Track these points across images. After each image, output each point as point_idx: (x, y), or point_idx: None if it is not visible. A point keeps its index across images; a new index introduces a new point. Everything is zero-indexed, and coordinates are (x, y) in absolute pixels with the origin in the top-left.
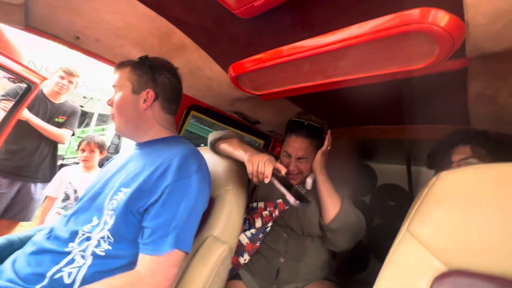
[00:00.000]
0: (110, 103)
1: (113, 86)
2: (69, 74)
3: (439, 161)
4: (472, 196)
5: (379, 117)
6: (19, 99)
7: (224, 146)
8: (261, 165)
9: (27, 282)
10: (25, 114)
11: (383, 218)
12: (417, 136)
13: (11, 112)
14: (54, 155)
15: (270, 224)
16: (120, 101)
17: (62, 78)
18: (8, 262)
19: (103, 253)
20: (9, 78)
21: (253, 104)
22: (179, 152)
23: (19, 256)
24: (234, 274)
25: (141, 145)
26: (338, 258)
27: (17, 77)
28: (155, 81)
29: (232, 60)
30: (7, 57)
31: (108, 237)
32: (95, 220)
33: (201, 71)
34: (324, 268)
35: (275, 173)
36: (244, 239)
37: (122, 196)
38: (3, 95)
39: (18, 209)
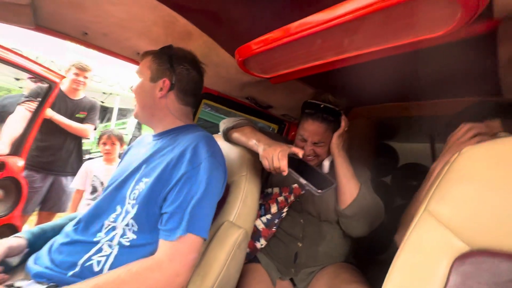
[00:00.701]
0: (132, 89)
1: (136, 72)
2: (82, 69)
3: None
4: (498, 171)
5: (398, 93)
6: (42, 98)
7: (237, 136)
8: (275, 160)
9: (62, 268)
10: (48, 112)
11: (405, 198)
12: (441, 112)
13: (36, 112)
14: (79, 150)
15: (285, 209)
16: (139, 87)
17: (77, 75)
18: (44, 250)
19: (128, 243)
20: (31, 79)
21: (264, 88)
22: (192, 140)
23: (54, 245)
24: (252, 258)
25: (158, 136)
26: (358, 240)
27: (38, 77)
28: (173, 71)
29: (238, 43)
30: (27, 59)
31: (132, 225)
32: (118, 209)
33: (208, 57)
34: (344, 251)
35: (292, 157)
36: (260, 225)
37: (143, 186)
38: (26, 96)
39: (53, 202)
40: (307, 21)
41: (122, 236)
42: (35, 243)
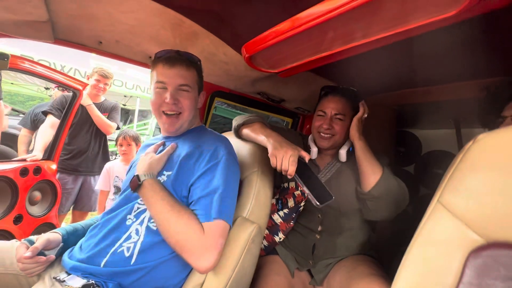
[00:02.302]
0: (177, 102)
1: (184, 85)
2: (104, 77)
3: (486, 117)
4: None
5: (416, 78)
6: (68, 106)
7: (247, 132)
8: (284, 163)
9: (94, 260)
10: (86, 100)
11: (430, 188)
12: (466, 95)
13: (64, 119)
14: (105, 150)
15: (303, 203)
16: (193, 101)
17: (98, 81)
18: (77, 246)
19: (155, 228)
20: (58, 88)
21: (275, 82)
22: (213, 140)
23: (85, 240)
24: (270, 251)
25: (177, 137)
26: (378, 231)
27: (64, 87)
28: (202, 82)
29: (244, 40)
30: (53, 70)
31: None
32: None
33: (215, 56)
34: (362, 243)
35: (300, 160)
36: (278, 219)
37: (165, 178)
38: (49, 109)
39: (84, 201)
40: (315, 11)
41: (150, 220)
42: (68, 239)
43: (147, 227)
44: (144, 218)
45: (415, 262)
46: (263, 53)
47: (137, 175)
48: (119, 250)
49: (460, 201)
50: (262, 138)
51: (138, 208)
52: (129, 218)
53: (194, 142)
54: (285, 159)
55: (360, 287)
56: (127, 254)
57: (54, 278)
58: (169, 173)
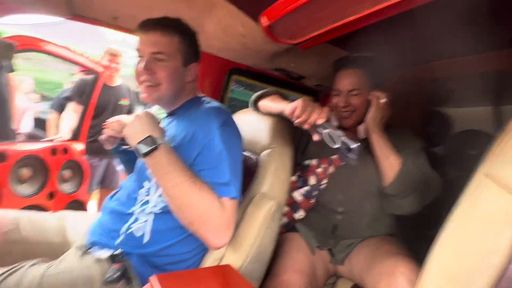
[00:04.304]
0: (152, 73)
1: (157, 52)
2: (113, 55)
3: None
4: None
5: (451, 47)
6: (90, 89)
7: (265, 103)
8: (314, 114)
9: (109, 237)
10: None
11: (461, 170)
12: (509, 65)
13: (87, 101)
14: None
15: (325, 181)
16: (171, 72)
17: (110, 61)
18: (95, 222)
19: (160, 211)
20: (82, 72)
21: (294, 57)
22: (203, 114)
23: (101, 217)
24: (290, 228)
25: (171, 113)
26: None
27: (84, 68)
28: (198, 54)
29: (262, 8)
30: (74, 52)
31: None
32: (146, 184)
33: (233, 28)
34: (387, 224)
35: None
36: (298, 196)
37: None
38: (70, 95)
39: (109, 180)
40: None
41: (154, 207)
42: None
43: (152, 211)
44: (147, 207)
45: (454, 240)
46: (283, 20)
47: (151, 136)
48: (129, 231)
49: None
50: (281, 105)
51: (141, 200)
52: (133, 209)
53: (188, 118)
54: (316, 109)
55: (386, 265)
56: (138, 234)
57: (80, 249)
58: None
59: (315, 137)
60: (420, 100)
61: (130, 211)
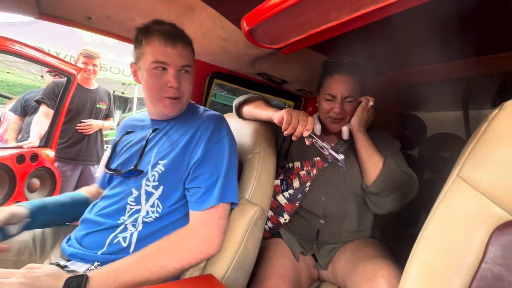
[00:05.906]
0: (176, 84)
1: (187, 65)
2: (90, 57)
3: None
4: None
5: (425, 54)
6: (62, 92)
7: (249, 109)
8: (302, 120)
9: (91, 249)
10: (98, 123)
11: (435, 171)
12: (476, 72)
13: (59, 106)
14: (101, 139)
15: (308, 184)
16: (192, 84)
17: (85, 63)
18: (73, 232)
19: (152, 220)
20: (50, 73)
21: (276, 62)
22: (207, 120)
23: (79, 228)
24: (275, 233)
25: (168, 120)
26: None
27: (56, 71)
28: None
29: (243, 12)
30: (44, 53)
31: (158, 205)
32: (134, 192)
33: (213, 32)
34: (368, 227)
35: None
36: (283, 200)
37: (162, 167)
38: (41, 98)
39: None
40: None
41: (145, 216)
42: (36, 215)
43: (143, 221)
44: (138, 217)
45: (431, 241)
46: (264, 25)
47: (69, 279)
48: (115, 241)
49: (483, 174)
50: (266, 112)
51: (131, 209)
52: (123, 219)
53: (189, 124)
54: (302, 117)
55: (367, 269)
56: (124, 244)
57: (53, 263)
58: (165, 161)
59: (307, 142)
60: (396, 104)
61: (119, 221)
